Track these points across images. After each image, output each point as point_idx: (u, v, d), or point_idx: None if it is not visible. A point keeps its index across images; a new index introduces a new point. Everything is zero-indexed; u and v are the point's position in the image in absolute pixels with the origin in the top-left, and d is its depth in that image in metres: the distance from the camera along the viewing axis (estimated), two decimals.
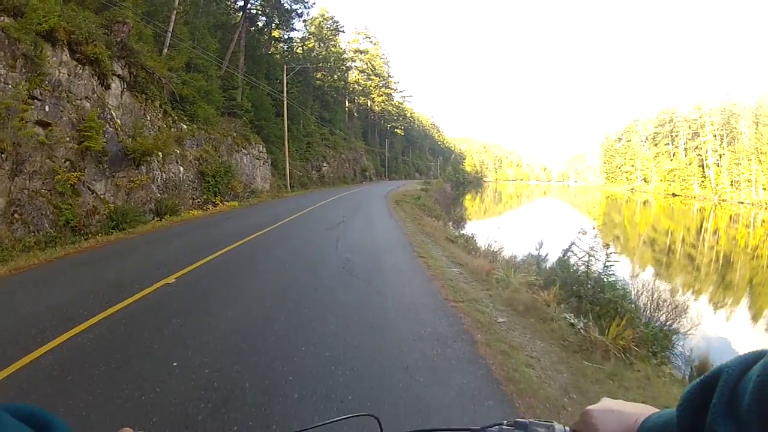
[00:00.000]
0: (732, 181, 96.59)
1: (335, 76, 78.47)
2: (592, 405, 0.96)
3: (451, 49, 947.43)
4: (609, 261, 9.85)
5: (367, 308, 8.06)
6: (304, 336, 6.65)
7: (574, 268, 11.03)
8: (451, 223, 29.68)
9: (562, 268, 11.89)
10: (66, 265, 11.70)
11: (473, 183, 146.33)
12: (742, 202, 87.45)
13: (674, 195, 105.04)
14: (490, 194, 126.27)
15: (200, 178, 27.56)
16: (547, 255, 14.82)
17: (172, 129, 26.72)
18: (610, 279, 9.96)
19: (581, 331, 7.24)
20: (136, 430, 1.03)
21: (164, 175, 23.83)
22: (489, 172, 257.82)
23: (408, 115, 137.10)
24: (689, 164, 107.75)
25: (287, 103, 49.44)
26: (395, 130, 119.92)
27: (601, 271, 9.89)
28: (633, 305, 10.64)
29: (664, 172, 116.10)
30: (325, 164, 65.24)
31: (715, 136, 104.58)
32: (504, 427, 1.08)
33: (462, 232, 25.62)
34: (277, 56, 57.73)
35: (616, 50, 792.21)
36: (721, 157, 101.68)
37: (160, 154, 23.27)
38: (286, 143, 46.14)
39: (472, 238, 21.33)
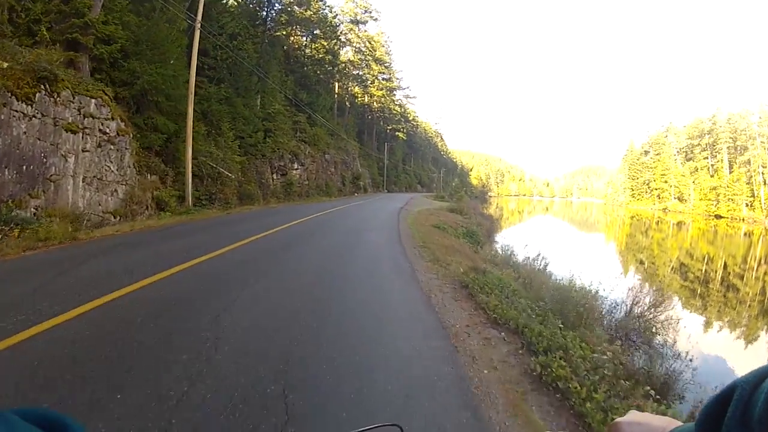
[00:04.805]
0: None
1: (321, 43, 54.28)
2: (621, 417, 0.92)
3: (448, 58, 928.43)
4: None
5: None
6: None
7: None
8: None
9: None
10: None
11: (479, 197, 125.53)
12: None
13: (718, 216, 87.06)
14: (513, 213, 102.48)
15: None
16: None
17: None
18: None
19: None
20: None
21: None
22: (491, 186, 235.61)
23: (411, 118, 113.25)
24: (736, 181, 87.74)
25: (208, 40, 27.28)
26: (396, 133, 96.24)
27: None
28: None
29: (706, 190, 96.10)
30: (296, 165, 40.47)
31: (766, 149, 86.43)
32: None
33: None
34: None
35: (623, 62, 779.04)
36: None
37: None
38: (190, 111, 21.46)
39: None
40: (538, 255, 13.94)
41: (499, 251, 17.04)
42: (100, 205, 15.87)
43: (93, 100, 16.21)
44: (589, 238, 55.86)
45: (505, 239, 25.04)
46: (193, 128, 22.53)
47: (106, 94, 17.36)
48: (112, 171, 16.66)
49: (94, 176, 15.74)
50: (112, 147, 16.78)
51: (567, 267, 14.33)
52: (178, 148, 21.96)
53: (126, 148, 17.66)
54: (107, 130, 16.64)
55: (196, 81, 26.78)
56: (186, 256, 9.21)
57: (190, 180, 21.19)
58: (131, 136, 18.52)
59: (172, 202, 19.81)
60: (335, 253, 11.76)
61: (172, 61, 21.96)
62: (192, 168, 22.52)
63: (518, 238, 26.84)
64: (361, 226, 19.02)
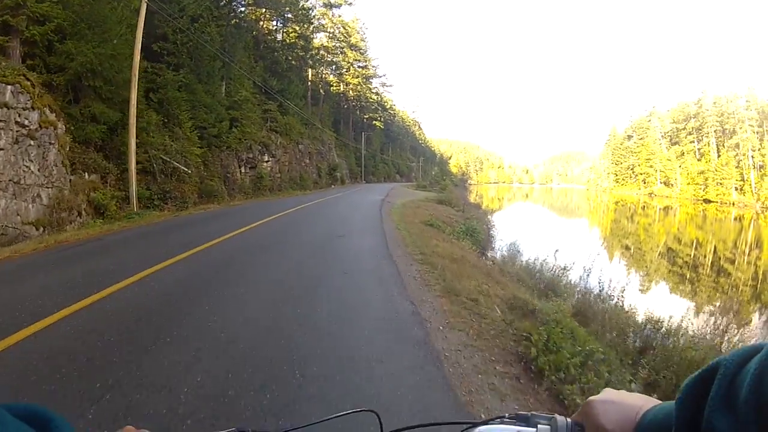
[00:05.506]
0: None
1: (293, 27, 51.55)
2: (595, 396, 0.89)
3: (424, 45, 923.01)
4: None
5: None
6: None
7: None
8: None
9: None
10: None
11: (459, 186, 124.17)
12: None
13: (707, 201, 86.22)
14: (499, 201, 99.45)
15: None
16: None
17: None
18: None
19: None
20: (138, 427, 0.95)
21: None
22: (471, 174, 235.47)
23: (388, 106, 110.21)
24: (725, 165, 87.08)
25: (168, 23, 25.20)
26: (374, 122, 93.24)
27: None
28: None
29: (693, 174, 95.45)
30: (267, 157, 37.62)
31: (755, 132, 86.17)
32: (506, 419, 1.00)
33: None
34: None
35: (602, 46, 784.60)
36: (764, 157, 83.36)
37: None
38: (134, 96, 18.40)
39: None
40: (585, 272, 10.90)
41: (515, 257, 14.22)
42: (18, 214, 13.07)
43: (9, 87, 13.42)
44: (587, 226, 54.38)
45: (504, 233, 22.52)
46: (141, 117, 19.96)
47: (27, 80, 14.59)
48: (33, 172, 13.81)
49: (9, 180, 12.95)
50: (32, 143, 13.94)
51: (579, 263, 11.81)
52: (124, 141, 19.06)
53: (51, 143, 14.80)
54: (26, 122, 13.84)
55: (152, 68, 24.38)
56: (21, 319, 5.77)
57: (134, 178, 18.37)
58: (60, 128, 15.79)
59: (113, 206, 16.92)
60: (288, 295, 7.24)
61: (115, 41, 18.98)
62: (143, 163, 20.05)
63: (517, 231, 24.70)
64: (336, 229, 15.58)
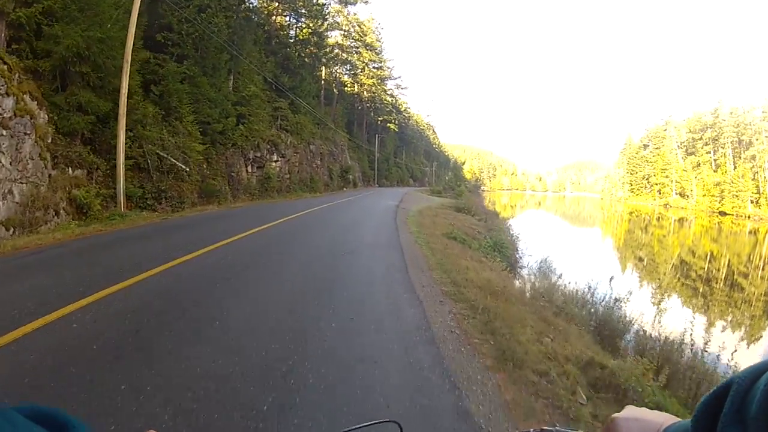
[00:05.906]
0: None
1: (307, 23, 50.12)
2: (618, 413, 0.93)
3: (439, 49, 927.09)
4: None
5: None
6: None
7: None
8: None
9: None
10: None
11: (472, 192, 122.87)
12: None
13: (722, 213, 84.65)
14: (515, 209, 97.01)
15: None
16: None
17: None
18: None
19: None
20: None
21: None
22: (484, 180, 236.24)
23: (403, 109, 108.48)
24: (741, 177, 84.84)
25: (173, 13, 24.12)
26: (388, 124, 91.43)
27: None
28: None
29: (709, 186, 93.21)
30: (276, 157, 35.86)
31: None
32: None
33: None
34: None
35: (616, 55, 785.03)
36: None
37: None
38: (125, 84, 16.72)
39: None
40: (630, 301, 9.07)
41: (554, 282, 11.70)
42: None
43: None
44: (609, 239, 52.86)
45: (529, 245, 20.75)
46: (136, 108, 18.33)
47: (5, 63, 13.03)
48: (3, 165, 12.10)
49: None
50: (4, 132, 12.23)
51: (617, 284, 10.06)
52: (116, 134, 17.38)
53: (26, 133, 13.07)
54: None
55: (155, 59, 22.77)
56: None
57: (122, 174, 16.61)
58: (42, 117, 14.17)
59: (97, 205, 15.17)
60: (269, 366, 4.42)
61: (108, 25, 17.34)
62: (136, 159, 18.45)
63: (541, 242, 23.89)
64: (347, 241, 13.08)
